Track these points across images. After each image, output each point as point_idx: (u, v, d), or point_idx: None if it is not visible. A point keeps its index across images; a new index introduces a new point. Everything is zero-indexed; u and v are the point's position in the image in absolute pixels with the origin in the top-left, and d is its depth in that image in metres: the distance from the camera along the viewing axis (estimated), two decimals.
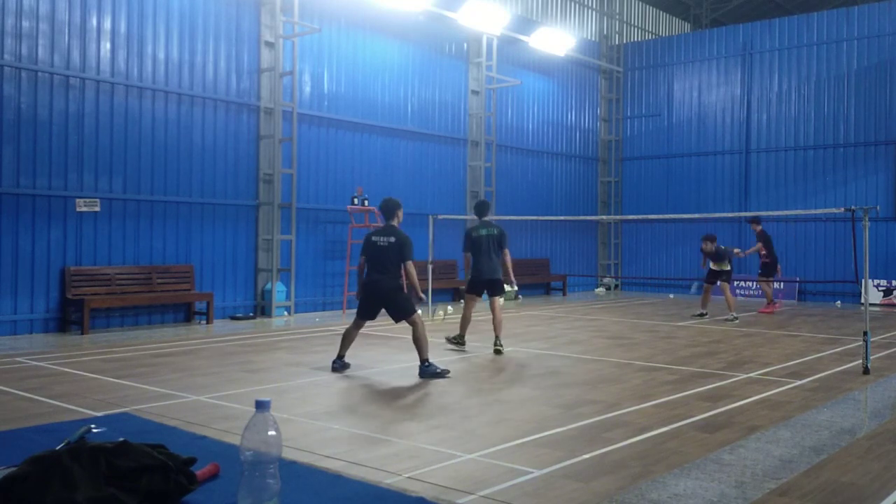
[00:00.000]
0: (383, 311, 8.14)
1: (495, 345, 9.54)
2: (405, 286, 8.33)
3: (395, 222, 8.27)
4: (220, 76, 13.49)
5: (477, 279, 9.94)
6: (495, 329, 9.62)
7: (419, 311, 8.36)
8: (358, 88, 15.76)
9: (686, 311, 15.68)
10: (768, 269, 15.67)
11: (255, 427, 2.02)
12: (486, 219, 10.08)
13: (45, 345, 10.13)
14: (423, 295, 8.48)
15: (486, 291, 10.00)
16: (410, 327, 8.00)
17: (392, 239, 8.02)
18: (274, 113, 14.09)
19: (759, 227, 15.63)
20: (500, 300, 9.95)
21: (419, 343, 7.89)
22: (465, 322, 10.00)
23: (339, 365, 8.19)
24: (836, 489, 4.42)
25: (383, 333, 11.55)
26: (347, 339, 8.29)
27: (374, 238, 8.12)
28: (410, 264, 8.03)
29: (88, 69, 11.80)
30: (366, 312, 8.17)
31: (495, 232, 9.85)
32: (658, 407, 6.56)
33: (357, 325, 8.28)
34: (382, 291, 8.01)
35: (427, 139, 17.26)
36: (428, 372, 7.79)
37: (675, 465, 4.83)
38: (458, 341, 9.96)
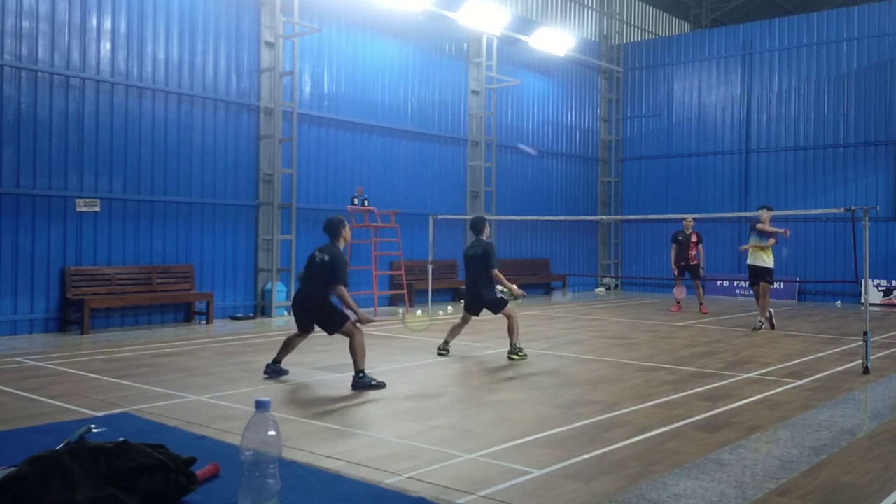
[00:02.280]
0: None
1: (509, 352, 9.19)
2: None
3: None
4: (220, 76, 13.49)
5: (465, 299, 9.79)
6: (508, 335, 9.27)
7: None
8: (358, 88, 15.76)
9: (687, 311, 15.68)
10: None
11: (255, 427, 2.02)
12: (482, 237, 9.59)
13: (45, 345, 10.12)
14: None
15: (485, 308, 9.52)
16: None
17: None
18: (274, 113, 14.09)
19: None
20: (510, 308, 9.34)
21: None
22: (452, 330, 9.61)
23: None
24: (836, 489, 4.42)
25: (383, 334, 11.55)
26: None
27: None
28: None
29: (88, 69, 11.80)
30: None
31: (479, 252, 9.39)
32: (658, 407, 6.56)
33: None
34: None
35: (427, 139, 17.25)
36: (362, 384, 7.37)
37: (675, 465, 4.83)
38: (444, 348, 9.49)
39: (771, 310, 12.62)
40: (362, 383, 7.23)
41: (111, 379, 7.62)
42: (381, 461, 4.83)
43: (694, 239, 15.49)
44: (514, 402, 6.75)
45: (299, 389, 7.19)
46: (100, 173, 11.93)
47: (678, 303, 15.78)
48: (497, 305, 9.30)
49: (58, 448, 2.21)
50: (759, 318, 12.45)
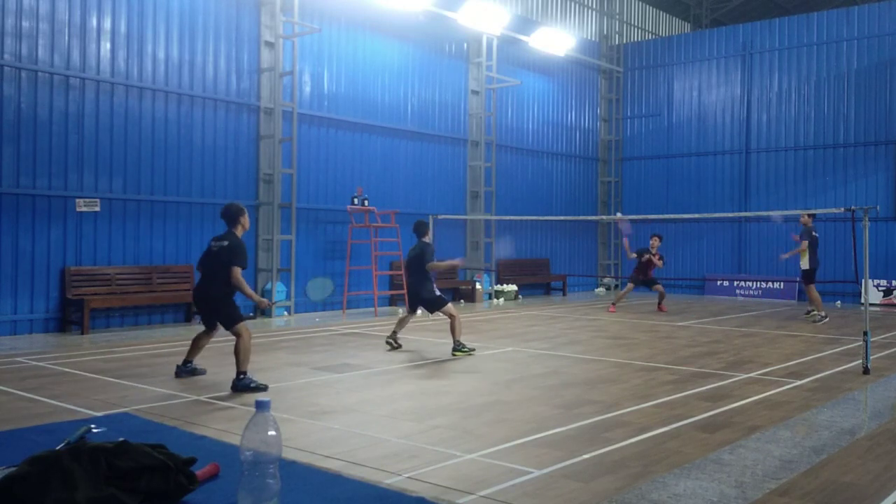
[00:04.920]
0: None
1: (453, 349, 9.44)
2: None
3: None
4: (220, 76, 13.49)
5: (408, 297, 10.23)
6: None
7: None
8: (358, 88, 15.76)
9: (687, 311, 15.69)
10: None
11: (255, 427, 2.02)
12: (424, 239, 9.96)
13: (45, 345, 10.12)
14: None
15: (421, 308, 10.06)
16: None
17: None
18: (274, 113, 14.09)
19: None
20: (449, 307, 9.64)
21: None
22: (399, 322, 10.07)
23: None
24: (836, 489, 4.42)
25: (382, 334, 11.56)
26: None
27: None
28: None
29: (88, 69, 11.80)
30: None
31: (417, 252, 9.85)
32: (658, 407, 6.56)
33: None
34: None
35: (427, 139, 17.25)
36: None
37: (675, 465, 4.83)
38: (392, 338, 9.89)
39: (818, 311, 13.69)
40: (240, 385, 7.09)
41: (111, 379, 7.62)
42: (381, 461, 4.83)
43: (657, 258, 15.96)
44: (514, 402, 6.75)
45: (299, 389, 7.19)
46: (100, 173, 11.93)
47: (614, 304, 15.98)
48: (433, 304, 9.73)
49: (58, 448, 2.21)
50: (815, 312, 13.67)
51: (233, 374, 8.00)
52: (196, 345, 7.83)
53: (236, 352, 7.23)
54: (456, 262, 11.02)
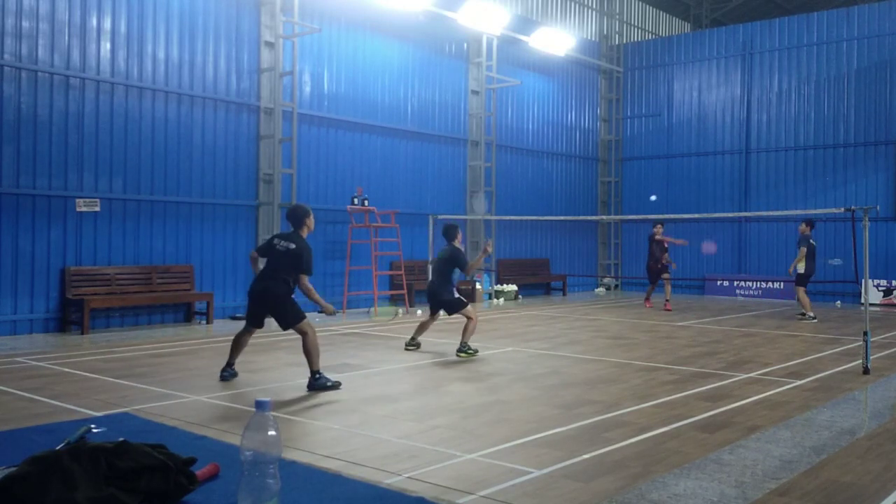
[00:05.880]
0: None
1: (458, 350, 9.37)
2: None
3: (456, 242, 9.65)
4: (220, 76, 13.49)
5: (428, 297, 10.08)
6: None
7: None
8: (358, 88, 15.76)
9: (687, 311, 15.69)
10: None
11: (255, 427, 2.02)
12: (454, 244, 9.87)
13: (45, 345, 10.12)
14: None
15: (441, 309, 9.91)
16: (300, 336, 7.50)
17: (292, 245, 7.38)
18: (274, 113, 14.09)
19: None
20: (468, 309, 9.55)
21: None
22: (420, 327, 9.99)
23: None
24: (836, 489, 4.42)
25: (383, 334, 11.56)
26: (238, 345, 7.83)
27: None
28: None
29: (88, 69, 11.79)
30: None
31: (445, 255, 9.79)
32: (658, 407, 6.56)
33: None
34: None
35: (427, 139, 17.25)
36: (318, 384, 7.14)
37: (675, 465, 4.83)
38: (411, 343, 9.89)
39: (803, 311, 14.25)
40: (317, 384, 7.11)
41: (111, 379, 7.62)
42: (381, 461, 4.83)
43: (665, 244, 16.24)
44: (514, 402, 6.75)
45: (300, 389, 7.19)
46: (100, 173, 11.92)
47: (667, 300, 16.27)
48: (453, 306, 9.63)
49: (58, 448, 2.21)
50: (807, 314, 14.11)
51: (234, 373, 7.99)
52: (238, 345, 7.69)
53: (305, 351, 7.19)
54: (485, 250, 10.15)
